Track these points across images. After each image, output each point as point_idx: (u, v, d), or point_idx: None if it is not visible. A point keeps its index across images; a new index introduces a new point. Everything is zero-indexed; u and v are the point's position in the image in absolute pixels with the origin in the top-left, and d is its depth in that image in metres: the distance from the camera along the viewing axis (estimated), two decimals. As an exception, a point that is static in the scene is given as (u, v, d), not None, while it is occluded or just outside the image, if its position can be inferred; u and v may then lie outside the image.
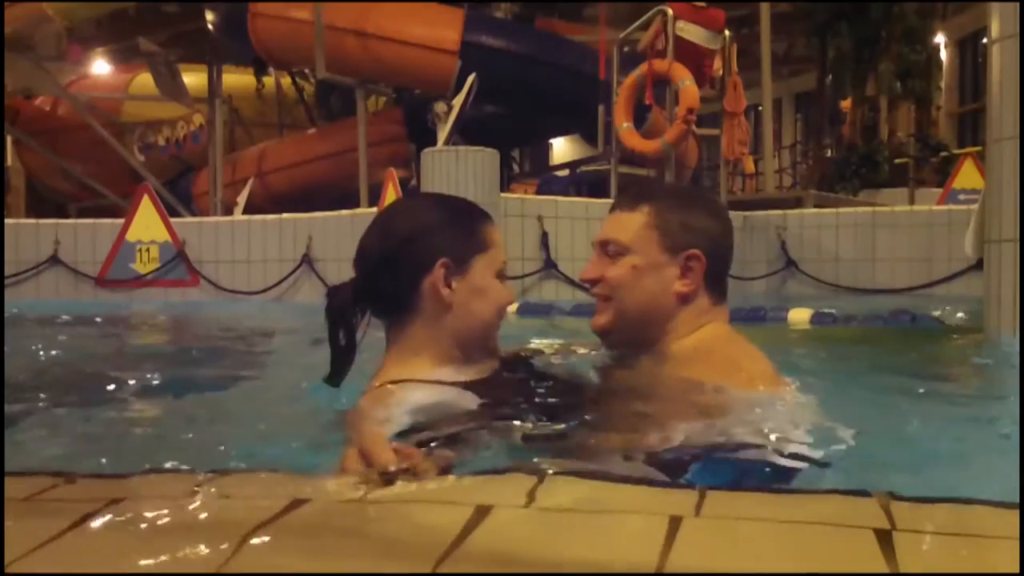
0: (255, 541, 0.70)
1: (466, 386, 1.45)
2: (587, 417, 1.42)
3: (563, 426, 1.37)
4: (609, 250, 1.59)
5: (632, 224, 1.58)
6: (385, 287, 1.48)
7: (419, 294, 1.47)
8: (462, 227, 1.52)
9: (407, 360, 1.48)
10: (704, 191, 2.02)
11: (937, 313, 4.00)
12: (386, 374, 1.47)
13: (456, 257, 1.48)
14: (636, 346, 1.62)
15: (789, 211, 6.97)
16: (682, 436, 1.27)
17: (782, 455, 1.25)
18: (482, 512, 0.73)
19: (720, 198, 7.55)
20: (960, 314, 4.11)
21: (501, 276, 1.53)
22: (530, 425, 1.36)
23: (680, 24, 6.77)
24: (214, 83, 9.69)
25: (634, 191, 1.72)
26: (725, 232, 1.62)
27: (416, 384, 1.41)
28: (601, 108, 7.54)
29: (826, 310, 3.56)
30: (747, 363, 1.54)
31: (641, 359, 1.60)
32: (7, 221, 6.98)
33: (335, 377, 1.50)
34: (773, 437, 1.28)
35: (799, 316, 3.40)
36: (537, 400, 1.47)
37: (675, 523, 0.70)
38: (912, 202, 9.65)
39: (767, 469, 1.22)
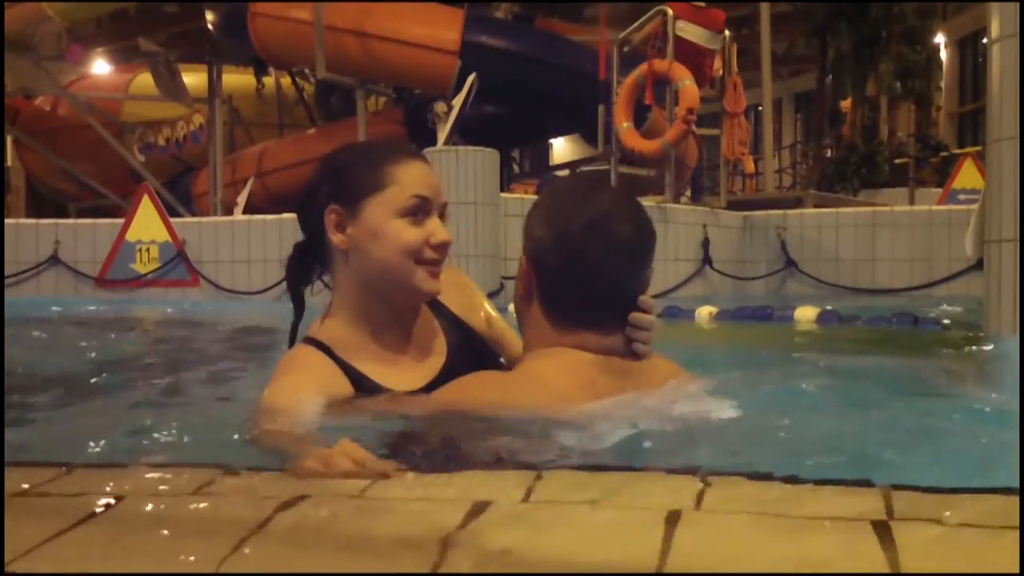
0: (254, 539, 0.70)
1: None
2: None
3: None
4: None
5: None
6: (307, 238, 1.53)
7: (326, 243, 1.49)
8: (354, 170, 1.48)
9: (328, 316, 1.52)
10: (593, 197, 1.40)
11: (936, 314, 4.00)
12: (312, 328, 1.52)
13: (345, 202, 1.46)
14: None
15: (789, 211, 6.97)
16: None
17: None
18: (480, 508, 0.73)
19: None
20: (959, 313, 4.11)
21: (412, 215, 1.45)
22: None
23: (680, 24, 6.78)
24: (214, 83, 9.70)
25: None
26: (558, 251, 1.41)
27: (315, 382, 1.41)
28: (601, 108, 7.54)
29: (830, 309, 3.57)
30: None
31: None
32: (7, 221, 6.98)
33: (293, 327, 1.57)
34: None
35: (805, 315, 3.42)
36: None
37: (674, 515, 0.70)
38: (912, 202, 9.65)
39: None
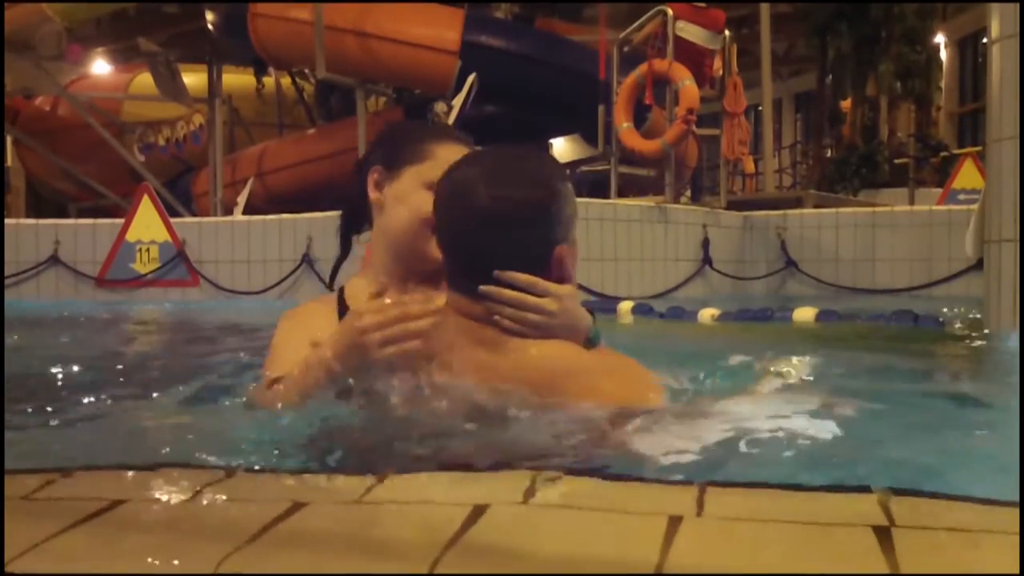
0: (253, 540, 0.70)
1: None
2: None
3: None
4: None
5: None
6: (358, 192, 1.73)
7: (368, 201, 1.69)
8: (402, 139, 1.68)
9: (365, 268, 1.75)
10: (470, 164, 1.45)
11: (940, 312, 4.01)
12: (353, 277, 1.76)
13: (388, 165, 1.66)
14: None
15: (789, 211, 6.97)
16: None
17: None
18: (479, 511, 0.73)
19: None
20: (959, 314, 4.12)
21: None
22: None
23: (680, 24, 6.77)
24: (214, 83, 9.69)
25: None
26: (435, 212, 1.47)
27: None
28: (601, 108, 7.54)
29: (830, 310, 3.60)
30: None
31: None
32: (7, 221, 6.98)
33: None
34: None
35: (804, 315, 3.44)
36: None
37: (675, 520, 0.70)
38: (912, 202, 9.65)
39: None
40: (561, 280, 1.43)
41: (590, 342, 1.47)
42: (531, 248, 1.41)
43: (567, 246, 1.43)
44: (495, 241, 1.38)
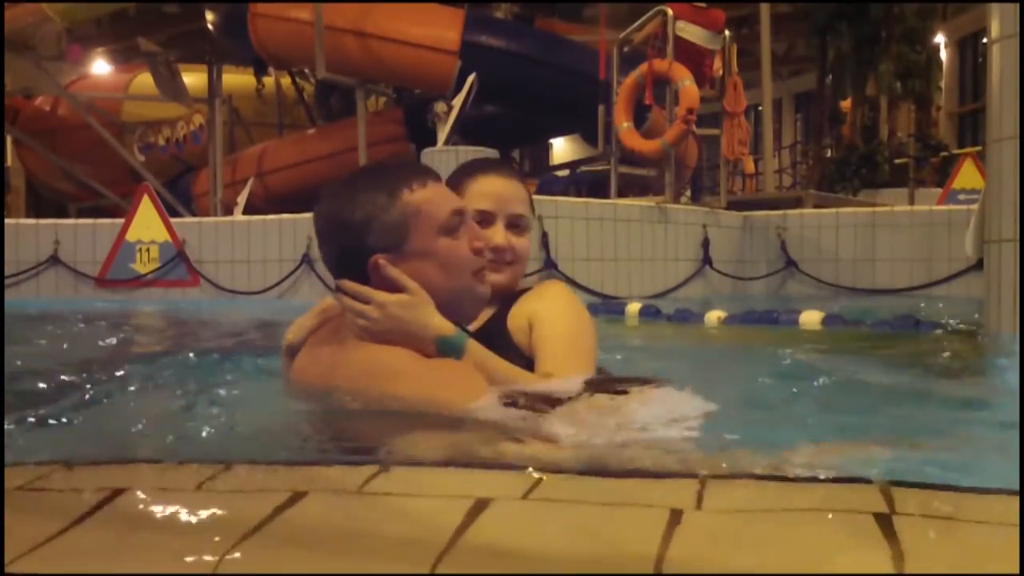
0: (254, 537, 0.70)
1: None
2: None
3: None
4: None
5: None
6: None
7: None
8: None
9: None
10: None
11: (936, 317, 4.02)
12: None
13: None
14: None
15: (789, 211, 6.97)
16: None
17: None
18: (480, 506, 0.73)
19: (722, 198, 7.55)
20: (959, 314, 4.12)
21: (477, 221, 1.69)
22: None
23: (680, 24, 6.78)
24: (214, 83, 9.69)
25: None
26: None
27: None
28: (601, 108, 7.54)
29: (835, 313, 3.62)
30: None
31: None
32: (7, 221, 6.97)
33: None
34: None
35: (811, 318, 3.46)
36: None
37: (676, 516, 0.70)
38: (912, 202, 9.65)
39: None
40: (394, 289, 1.45)
41: (443, 351, 1.45)
42: (345, 257, 1.49)
43: (394, 256, 1.45)
44: (323, 251, 1.53)
